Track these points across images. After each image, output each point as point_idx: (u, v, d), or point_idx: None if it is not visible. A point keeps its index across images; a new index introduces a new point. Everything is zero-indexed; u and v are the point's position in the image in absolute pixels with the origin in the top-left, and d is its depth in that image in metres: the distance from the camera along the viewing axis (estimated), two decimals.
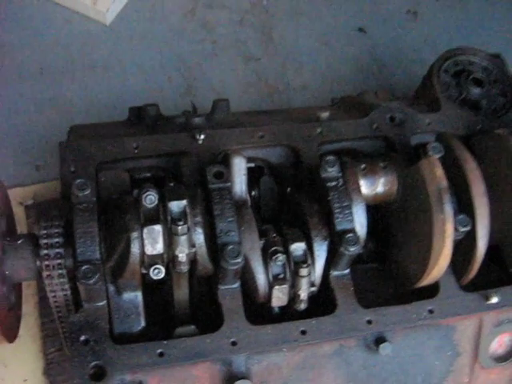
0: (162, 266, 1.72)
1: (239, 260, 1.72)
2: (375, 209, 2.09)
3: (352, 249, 1.80)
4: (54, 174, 2.52)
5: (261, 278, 1.80)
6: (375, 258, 2.14)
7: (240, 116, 2.24)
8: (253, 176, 2.11)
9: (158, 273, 1.71)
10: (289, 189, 2.08)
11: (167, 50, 2.98)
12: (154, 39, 2.99)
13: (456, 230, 1.84)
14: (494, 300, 1.95)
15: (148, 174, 2.00)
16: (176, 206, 1.70)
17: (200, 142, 2.00)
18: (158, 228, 1.68)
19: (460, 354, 2.00)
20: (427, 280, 1.92)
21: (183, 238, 1.68)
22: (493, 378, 2.09)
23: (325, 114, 2.13)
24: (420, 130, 2.15)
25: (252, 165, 2.08)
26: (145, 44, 2.98)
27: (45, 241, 1.72)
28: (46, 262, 1.72)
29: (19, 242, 1.76)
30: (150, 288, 1.91)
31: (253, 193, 2.10)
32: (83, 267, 1.66)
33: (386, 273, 2.10)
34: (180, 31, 3.03)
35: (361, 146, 2.14)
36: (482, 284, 2.02)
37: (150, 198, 1.69)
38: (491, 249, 2.00)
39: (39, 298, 2.37)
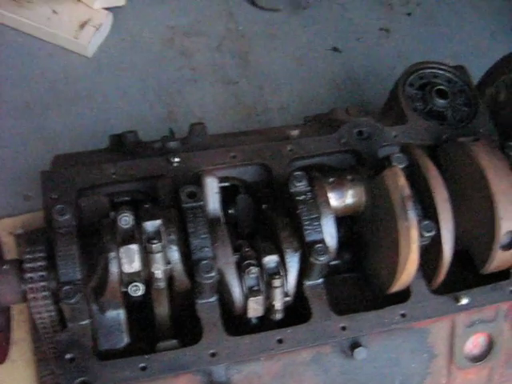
0: (141, 283, 1.80)
1: (213, 274, 1.80)
2: (351, 221, 2.17)
3: (321, 258, 1.88)
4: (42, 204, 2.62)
5: (236, 291, 1.88)
6: (352, 269, 2.22)
7: (215, 138, 2.33)
8: (229, 194, 2.19)
9: (136, 290, 1.79)
10: (264, 205, 2.16)
11: (148, 78, 3.09)
12: (134, 69, 3.10)
13: (421, 235, 1.92)
14: (464, 301, 2.02)
15: (127, 198, 2.08)
16: (150, 225, 1.79)
17: (175, 164, 2.09)
18: (134, 247, 1.77)
19: (436, 355, 2.07)
20: (398, 286, 1.99)
21: (158, 256, 1.77)
22: (470, 378, 2.15)
23: (295, 132, 2.23)
24: (387, 142, 2.24)
25: (227, 184, 2.16)
26: (126, 74, 3.09)
27: (29, 265, 1.81)
28: (31, 285, 1.80)
29: (4, 267, 1.84)
30: (133, 306, 1.99)
31: (230, 211, 2.19)
32: (65, 288, 1.75)
33: (362, 282, 2.18)
34: (160, 59, 3.15)
35: (330, 161, 2.23)
36: (454, 287, 2.09)
37: (126, 219, 1.78)
38: (460, 253, 2.09)
39: (31, 323, 2.45)
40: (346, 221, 2.17)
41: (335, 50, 3.27)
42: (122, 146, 2.27)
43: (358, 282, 2.19)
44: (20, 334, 2.45)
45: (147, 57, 3.15)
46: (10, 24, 3.06)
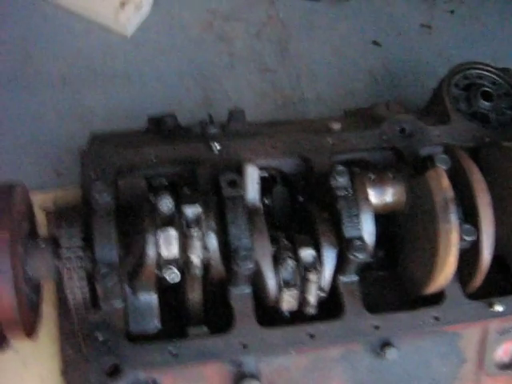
0: (177, 269, 1.79)
1: (250, 265, 1.79)
2: (385, 218, 2.15)
3: (360, 255, 1.87)
4: (73, 180, 2.61)
5: (271, 283, 1.87)
6: (385, 267, 2.20)
7: (255, 126, 2.32)
8: (266, 185, 2.17)
9: (172, 276, 1.78)
10: (301, 198, 2.14)
11: (186, 61, 3.06)
12: (172, 51, 3.07)
13: (461, 239, 1.90)
14: (499, 308, 2.00)
15: (165, 182, 2.07)
16: (190, 211, 1.78)
17: (216, 151, 2.08)
18: (173, 232, 1.75)
19: (465, 361, 2.05)
20: (433, 287, 1.97)
21: (197, 242, 1.75)
22: None
23: (337, 126, 2.20)
24: (429, 141, 2.21)
25: (265, 174, 2.14)
26: (164, 55, 3.06)
27: (66, 243, 1.80)
28: (67, 264, 1.79)
29: (41, 244, 1.84)
30: (166, 291, 1.99)
31: (266, 201, 2.17)
32: (102, 269, 1.74)
33: (395, 281, 2.16)
34: (198, 43, 3.11)
35: (371, 157, 2.20)
36: (488, 293, 2.07)
37: (166, 204, 1.77)
38: (497, 258, 2.06)
39: (58, 300, 2.45)
40: (381, 217, 2.15)
41: (375, 43, 3.22)
42: (161, 128, 2.26)
43: (389, 280, 2.17)
44: (46, 309, 2.43)
45: (186, 39, 3.11)
46: None
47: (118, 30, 3.04)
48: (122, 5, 3.01)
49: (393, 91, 3.13)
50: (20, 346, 2.36)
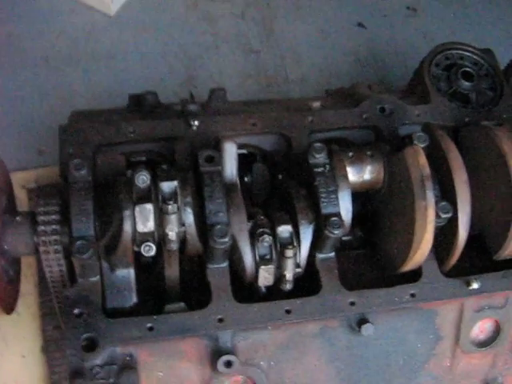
0: (153, 243, 1.80)
1: (226, 239, 1.79)
2: (364, 197, 2.16)
3: (336, 231, 1.87)
4: (56, 159, 2.60)
5: (248, 258, 1.87)
6: (364, 245, 2.21)
7: (236, 105, 2.31)
8: (245, 162, 2.18)
9: (148, 250, 1.79)
10: (280, 175, 2.15)
11: (169, 40, 3.06)
12: (156, 30, 3.07)
13: (438, 216, 1.90)
14: (475, 286, 2.01)
15: (143, 158, 2.07)
16: (167, 186, 1.78)
17: (194, 128, 2.08)
18: (150, 207, 1.76)
19: (442, 338, 2.07)
20: (410, 265, 1.98)
21: (173, 217, 1.76)
22: (474, 362, 2.15)
23: (316, 104, 2.21)
24: (409, 120, 2.21)
25: (244, 151, 2.15)
26: (148, 35, 3.05)
27: (42, 217, 1.80)
28: (43, 238, 1.80)
29: (18, 218, 1.84)
30: (143, 267, 1.99)
31: (245, 179, 2.18)
32: (78, 242, 1.74)
33: (373, 259, 2.17)
34: (182, 23, 3.11)
35: (350, 136, 2.20)
36: (465, 272, 2.08)
37: (143, 179, 1.77)
38: (474, 237, 2.07)
39: (39, 278, 2.45)
40: (359, 197, 2.15)
41: (360, 25, 3.23)
42: (141, 106, 2.25)
43: (369, 259, 2.17)
44: (27, 287, 2.45)
45: (170, 19, 3.11)
46: None
47: (102, 9, 3.04)
48: None
49: (377, 73, 3.14)
50: (0, 323, 2.38)
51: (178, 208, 1.77)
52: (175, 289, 1.92)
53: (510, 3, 3.36)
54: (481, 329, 2.11)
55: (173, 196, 1.78)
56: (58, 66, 2.92)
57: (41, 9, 3.02)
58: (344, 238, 2.16)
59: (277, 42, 3.13)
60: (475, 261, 2.14)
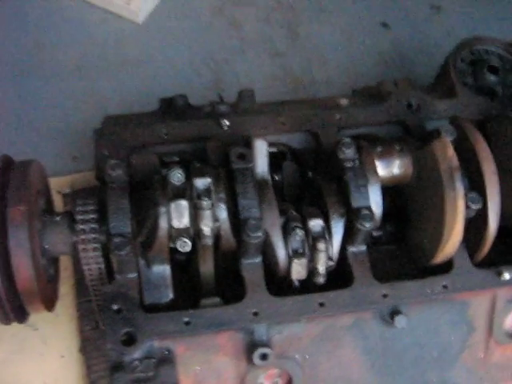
0: (189, 239, 1.84)
1: (260, 234, 1.83)
2: (394, 192, 2.18)
3: (367, 224, 1.90)
4: (89, 165, 2.67)
5: (281, 253, 1.91)
6: (395, 240, 2.23)
7: (264, 105, 2.35)
8: (276, 161, 2.22)
9: (184, 245, 1.83)
10: (310, 173, 2.18)
11: (197, 46, 3.11)
12: (184, 36, 3.13)
13: (467, 207, 1.92)
14: (507, 276, 2.02)
15: (176, 158, 2.12)
16: (201, 183, 1.83)
17: (225, 128, 2.13)
18: (185, 203, 1.81)
19: (475, 329, 2.07)
20: (441, 257, 2.00)
21: (207, 213, 1.80)
22: (508, 354, 2.14)
23: (344, 101, 2.24)
24: (436, 115, 2.24)
25: (274, 150, 2.19)
26: (175, 41, 3.11)
27: (80, 217, 1.86)
28: (82, 237, 1.85)
29: (57, 218, 1.90)
30: (179, 264, 2.04)
31: (276, 177, 2.21)
32: (116, 239, 1.80)
33: (404, 254, 2.18)
34: (209, 28, 3.17)
35: (378, 132, 2.23)
36: (497, 262, 2.08)
37: (178, 176, 1.82)
38: (505, 229, 2.08)
39: (75, 279, 2.51)
40: (389, 192, 2.18)
41: (384, 25, 3.25)
42: (172, 109, 2.30)
43: (400, 253, 2.19)
44: (64, 289, 2.50)
45: (196, 25, 3.17)
46: None
47: (130, 18, 3.11)
48: None
49: (402, 72, 3.16)
50: (40, 324, 2.44)
51: (212, 204, 1.81)
52: (210, 284, 1.96)
53: None
54: None
55: (207, 192, 1.82)
56: (90, 74, 2.99)
57: (71, 19, 3.10)
58: (375, 234, 2.19)
59: (302, 45, 3.17)
60: (507, 252, 2.14)
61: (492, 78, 2.34)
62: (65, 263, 2.54)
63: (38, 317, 2.41)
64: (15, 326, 2.39)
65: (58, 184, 2.71)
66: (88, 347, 2.41)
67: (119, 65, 3.03)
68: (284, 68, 3.11)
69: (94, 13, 3.11)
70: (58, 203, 2.64)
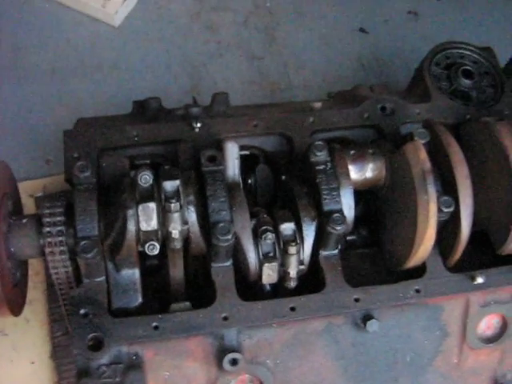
0: (157, 242, 1.81)
1: (229, 237, 1.81)
2: (369, 196, 2.17)
3: (338, 228, 1.88)
4: (63, 168, 2.64)
5: (252, 256, 1.89)
6: (368, 244, 2.21)
7: (238, 109, 2.33)
8: (249, 164, 2.20)
9: (152, 248, 1.80)
10: (283, 176, 2.16)
11: (173, 50, 3.10)
12: (160, 40, 3.11)
13: (440, 210, 1.91)
14: (480, 280, 2.01)
15: (147, 161, 2.09)
16: (169, 185, 1.80)
17: (196, 130, 2.10)
18: (152, 205, 1.78)
19: (448, 334, 2.06)
20: (414, 261, 1.99)
21: (176, 215, 1.78)
22: (482, 359, 2.14)
23: (317, 105, 2.23)
24: (410, 119, 2.23)
25: (247, 152, 2.17)
26: (152, 45, 3.10)
27: (47, 219, 1.83)
28: (49, 239, 1.82)
29: (24, 220, 1.87)
30: (148, 268, 2.01)
31: (249, 181, 2.19)
32: (82, 242, 1.77)
33: (378, 257, 2.17)
34: (186, 33, 3.15)
35: (352, 135, 2.22)
36: (470, 268, 2.07)
37: (146, 178, 1.80)
38: (478, 233, 2.07)
39: (47, 284, 2.48)
40: (363, 196, 2.17)
41: (362, 30, 3.25)
42: (145, 111, 2.28)
43: (374, 257, 2.18)
44: (35, 294, 2.48)
45: (173, 29, 3.15)
46: None
47: (106, 21, 3.08)
48: None
49: (380, 77, 3.16)
50: (10, 329, 2.40)
51: (181, 206, 1.79)
52: (180, 288, 1.93)
53: (510, 5, 3.38)
54: (488, 324, 2.10)
55: (175, 194, 1.80)
56: (64, 77, 2.96)
57: (46, 22, 3.07)
58: (349, 238, 2.18)
59: (279, 49, 3.16)
60: (480, 257, 2.13)
61: (466, 82, 2.34)
62: (36, 268, 2.51)
63: (8, 322, 2.39)
64: None
65: (31, 187, 2.68)
66: (59, 353, 2.39)
67: (94, 68, 3.01)
68: (261, 72, 3.10)
69: (69, 15, 3.09)
70: (31, 207, 2.60)
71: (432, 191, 1.88)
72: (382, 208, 2.12)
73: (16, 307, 1.90)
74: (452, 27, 3.30)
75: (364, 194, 2.16)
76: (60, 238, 1.82)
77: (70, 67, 2.99)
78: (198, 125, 2.09)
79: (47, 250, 1.83)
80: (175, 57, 3.08)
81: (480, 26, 3.29)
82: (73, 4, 3.07)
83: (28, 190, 2.66)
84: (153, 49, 3.08)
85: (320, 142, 1.97)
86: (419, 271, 2.03)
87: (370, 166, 2.06)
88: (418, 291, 1.98)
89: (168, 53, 3.09)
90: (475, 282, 2.01)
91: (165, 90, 2.99)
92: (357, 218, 2.06)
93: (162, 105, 2.30)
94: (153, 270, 2.04)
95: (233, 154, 1.96)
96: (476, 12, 3.34)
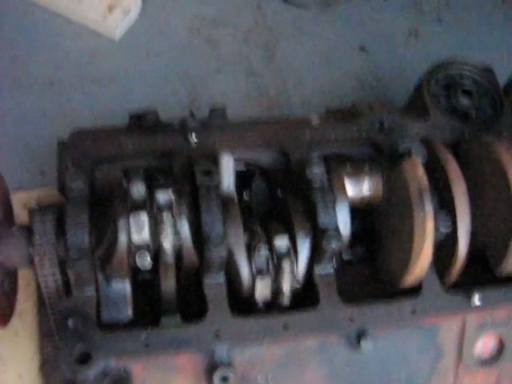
0: (149, 255, 1.79)
1: (222, 250, 1.78)
2: (366, 214, 2.14)
3: (333, 245, 1.85)
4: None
5: (244, 271, 1.86)
6: (365, 262, 2.18)
7: (236, 123, 2.32)
8: (245, 180, 2.18)
9: (144, 262, 1.78)
10: (279, 192, 2.14)
11: (173, 65, 3.09)
12: (160, 55, 3.10)
13: (437, 228, 1.88)
14: (477, 300, 1.97)
15: (141, 172, 2.06)
16: (162, 196, 1.78)
17: (192, 143, 2.08)
18: (144, 216, 1.75)
19: (444, 355, 2.02)
20: (410, 279, 1.96)
21: (168, 227, 1.75)
22: (478, 381, 2.10)
23: (315, 120, 2.21)
24: (408, 137, 2.20)
25: (243, 168, 2.15)
26: (151, 59, 3.09)
27: (38, 228, 1.80)
28: (38, 249, 1.79)
29: (13, 229, 1.84)
30: (139, 283, 1.98)
31: (245, 197, 2.17)
32: (72, 254, 1.74)
33: (375, 276, 2.14)
34: (185, 48, 3.14)
35: (349, 152, 2.19)
36: (468, 288, 2.04)
37: (138, 188, 1.78)
38: (476, 254, 2.05)
39: (38, 297, 2.44)
40: (360, 214, 2.14)
41: (362, 49, 3.25)
42: (141, 124, 2.26)
43: (371, 276, 2.15)
44: (26, 306, 2.44)
45: (173, 44, 3.14)
46: (39, 2, 3.07)
47: (106, 34, 3.08)
48: (110, 9, 3.05)
49: (379, 96, 3.15)
50: None
51: (173, 217, 1.76)
52: (171, 302, 1.90)
53: (510, 26, 3.38)
54: (484, 346, 2.06)
55: (168, 206, 1.77)
56: (62, 89, 2.95)
57: (46, 33, 3.06)
58: (345, 257, 2.15)
59: (279, 66, 3.15)
60: (478, 278, 2.10)
61: (466, 101, 2.33)
62: (27, 279, 2.47)
63: None
64: None
65: (25, 198, 2.64)
66: (48, 367, 2.34)
67: (93, 80, 2.99)
68: (260, 88, 3.08)
69: (69, 27, 3.08)
70: (25, 218, 2.57)
71: (429, 208, 1.86)
72: (378, 225, 2.10)
73: (4, 317, 1.87)
74: (453, 47, 3.29)
75: (360, 212, 2.13)
76: (50, 248, 1.79)
77: (68, 79, 2.98)
78: (194, 138, 2.07)
79: (36, 259, 1.80)
80: (174, 71, 3.07)
81: (481, 46, 3.28)
82: (73, 16, 3.06)
83: (22, 201, 2.61)
84: (152, 63, 3.07)
85: (316, 159, 1.95)
86: (415, 291, 2.00)
87: (367, 182, 2.04)
88: (413, 311, 1.95)
89: (167, 67, 3.08)
90: (472, 303, 1.98)
91: (163, 104, 2.94)
92: (353, 235, 2.04)
93: (159, 118, 2.28)
94: (144, 284, 2.00)
95: (228, 168, 1.94)
96: (477, 32, 3.34)
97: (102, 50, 3.07)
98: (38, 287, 2.40)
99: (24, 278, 2.44)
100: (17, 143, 2.80)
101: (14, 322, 2.38)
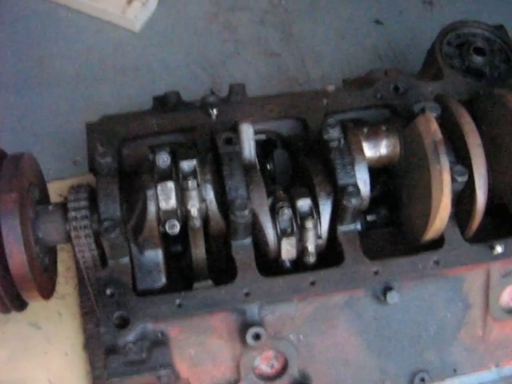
0: (177, 221, 1.87)
1: (247, 213, 1.86)
2: (387, 174, 2.19)
3: (354, 201, 1.91)
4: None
5: (270, 232, 1.93)
6: (389, 224, 2.23)
7: (254, 98, 2.38)
8: (267, 150, 2.25)
9: (173, 227, 1.86)
10: (300, 158, 2.20)
11: (193, 51, 3.17)
12: (180, 42, 3.20)
13: (454, 180, 1.93)
14: (499, 250, 2.01)
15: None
16: (186, 164, 1.87)
17: (213, 117, 2.16)
18: (171, 184, 1.84)
19: (471, 305, 2.07)
20: (431, 233, 2.00)
21: (193, 193, 1.84)
22: (508, 331, 2.13)
23: (331, 87, 2.27)
24: (423, 97, 2.25)
25: (263, 137, 2.22)
26: (172, 47, 3.18)
27: (72, 205, 1.90)
28: (74, 224, 1.89)
29: (50, 207, 1.95)
30: (171, 251, 2.07)
31: (268, 166, 2.24)
32: (105, 223, 1.83)
33: (398, 235, 2.19)
34: (204, 34, 3.23)
35: (366, 116, 2.25)
36: (490, 239, 2.08)
37: (163, 159, 1.86)
38: (496, 205, 2.08)
39: (78, 279, 2.55)
40: (382, 177, 2.20)
41: (377, 22, 3.29)
42: (165, 105, 2.35)
43: (395, 235, 2.20)
44: (67, 289, 2.56)
45: (192, 31, 3.23)
46: (60, 2, 3.19)
47: (127, 27, 3.18)
48: (129, 2, 3.15)
49: (397, 67, 3.17)
50: (43, 323, 2.48)
51: (198, 184, 1.85)
52: (202, 267, 1.98)
53: None
54: (511, 295, 2.10)
55: (192, 173, 1.85)
56: (89, 82, 3.06)
57: (69, 31, 3.18)
58: (369, 218, 2.21)
59: (296, 44, 3.21)
60: (499, 229, 2.14)
61: (479, 59, 2.36)
62: (68, 263, 2.59)
63: (41, 316, 2.47)
64: (19, 325, 2.46)
65: (60, 188, 2.76)
66: (91, 344, 2.44)
67: (117, 72, 3.10)
68: (279, 68, 3.15)
69: (91, 23, 3.19)
70: None
71: (445, 161, 1.90)
72: (398, 184, 2.15)
73: (45, 291, 1.97)
74: (467, 15, 3.30)
75: (382, 173, 2.18)
76: (85, 222, 1.89)
77: (93, 72, 3.09)
78: (215, 111, 2.15)
79: (73, 234, 1.90)
80: (194, 57, 3.16)
81: (495, 13, 3.28)
82: (94, 12, 3.17)
83: (57, 190, 2.73)
84: (173, 51, 3.16)
85: (332, 120, 2.01)
86: (437, 244, 2.05)
87: (384, 142, 2.09)
88: (437, 262, 2.00)
89: (187, 54, 3.17)
90: (494, 252, 2.01)
91: (186, 89, 3.00)
92: (376, 198, 2.09)
93: (181, 98, 2.37)
94: (177, 255, 2.09)
95: (248, 135, 2.01)
96: (490, 1, 3.35)
97: (123, 42, 3.17)
98: (78, 269, 2.53)
99: (64, 262, 2.57)
100: (49, 135, 2.92)
101: (58, 304, 2.51)
